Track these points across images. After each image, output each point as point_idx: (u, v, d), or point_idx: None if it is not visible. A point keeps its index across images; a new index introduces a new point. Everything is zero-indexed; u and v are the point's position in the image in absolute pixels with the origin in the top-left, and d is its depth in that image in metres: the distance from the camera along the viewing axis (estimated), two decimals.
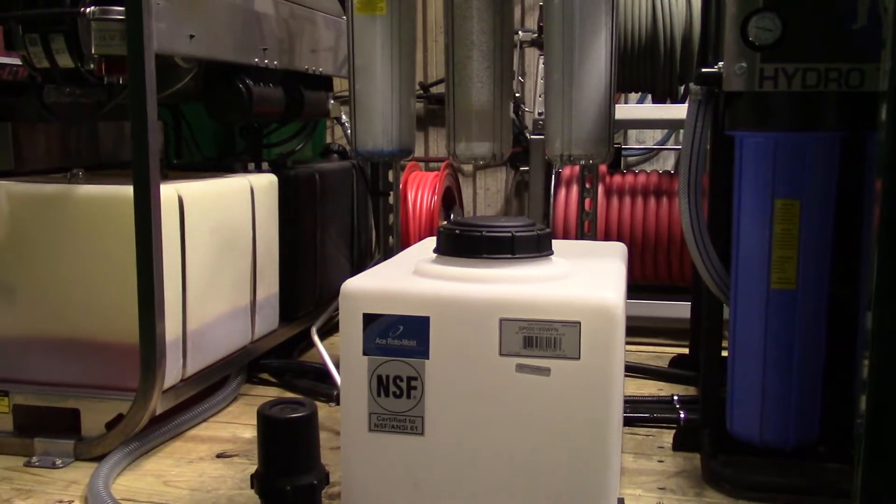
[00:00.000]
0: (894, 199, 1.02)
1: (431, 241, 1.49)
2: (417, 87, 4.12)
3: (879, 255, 1.02)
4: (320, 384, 1.99)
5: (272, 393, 2.00)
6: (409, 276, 1.24)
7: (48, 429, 1.62)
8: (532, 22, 3.93)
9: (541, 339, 1.14)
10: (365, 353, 1.19)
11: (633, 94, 3.44)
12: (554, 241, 1.31)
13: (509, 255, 1.22)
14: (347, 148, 2.70)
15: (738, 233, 1.45)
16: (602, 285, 1.19)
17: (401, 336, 1.18)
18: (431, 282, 1.21)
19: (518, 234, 1.23)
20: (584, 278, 1.23)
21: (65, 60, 1.63)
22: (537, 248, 1.25)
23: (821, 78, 1.35)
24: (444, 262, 1.25)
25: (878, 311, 1.03)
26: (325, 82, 2.42)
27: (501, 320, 1.15)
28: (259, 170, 2.07)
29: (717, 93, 1.47)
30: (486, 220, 1.26)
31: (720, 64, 1.42)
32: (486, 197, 4.48)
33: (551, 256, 1.28)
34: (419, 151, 4.19)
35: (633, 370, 2.07)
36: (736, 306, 1.48)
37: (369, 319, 1.18)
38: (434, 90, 4.27)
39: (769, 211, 1.40)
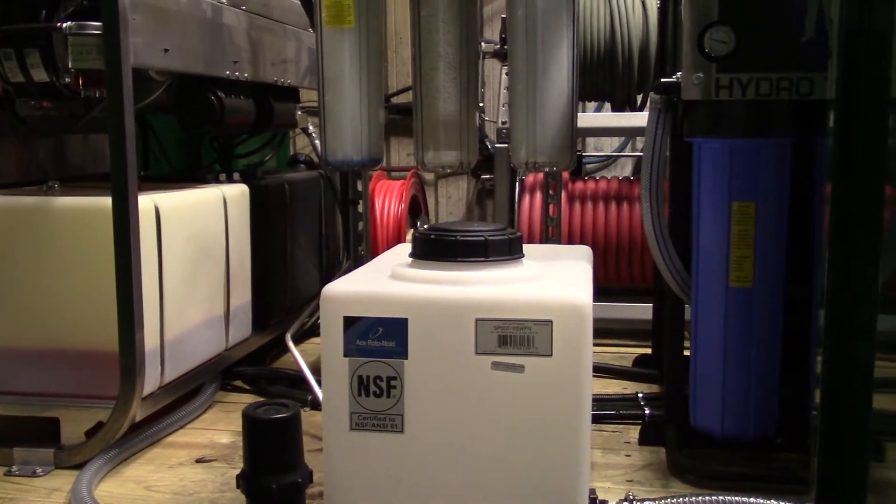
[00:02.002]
0: (842, 200, 1.09)
1: (404, 247, 1.55)
2: None
3: (830, 254, 1.09)
4: (293, 390, 2.03)
5: (247, 399, 2.03)
6: (387, 280, 1.29)
7: (28, 438, 1.64)
8: (491, 32, 3.99)
9: (515, 337, 1.19)
10: (346, 355, 1.24)
11: (590, 102, 3.52)
12: (524, 245, 1.37)
13: (483, 259, 1.28)
14: (314, 157, 2.73)
15: (697, 234, 1.52)
16: (572, 285, 1.25)
17: (380, 337, 1.23)
18: (409, 285, 1.26)
19: (491, 238, 1.29)
20: (555, 279, 1.29)
21: (40, 74, 1.65)
22: (509, 251, 1.31)
23: (773, 87, 1.43)
24: (421, 265, 1.30)
25: (830, 309, 1.10)
26: (292, 93, 2.46)
27: (477, 320, 1.20)
28: (230, 180, 2.10)
29: (676, 101, 1.54)
30: (460, 226, 1.32)
31: (678, 74, 1.50)
32: (447, 205, 4.54)
33: (522, 259, 1.33)
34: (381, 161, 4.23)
35: (598, 370, 2.14)
36: (697, 305, 1.55)
37: (350, 322, 1.23)
38: (395, 100, 4.32)
39: (726, 213, 1.47)
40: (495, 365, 1.20)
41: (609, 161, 4.01)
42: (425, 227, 1.36)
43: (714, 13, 1.44)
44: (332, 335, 1.24)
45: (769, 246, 1.47)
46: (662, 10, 2.02)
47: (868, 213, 1.06)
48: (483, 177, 4.13)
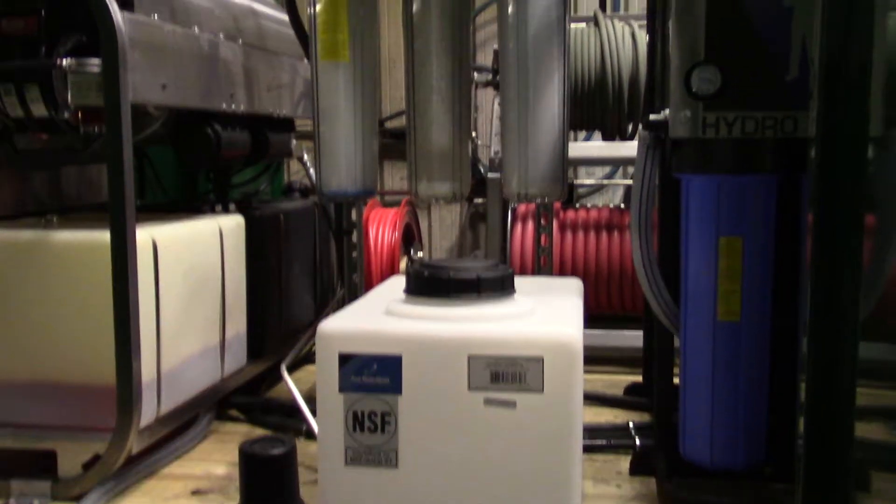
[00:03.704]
0: (824, 230, 1.12)
1: (397, 280, 1.57)
2: None
3: (812, 282, 1.12)
4: (288, 419, 2.04)
5: (242, 429, 2.04)
6: (381, 316, 1.32)
7: (25, 470, 1.65)
8: (484, 58, 4.04)
9: (507, 373, 1.22)
10: (341, 391, 1.26)
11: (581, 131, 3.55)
12: (516, 278, 1.40)
13: (475, 295, 1.30)
14: (307, 183, 2.75)
15: (686, 268, 1.55)
16: (563, 322, 1.28)
17: (375, 373, 1.25)
18: (403, 321, 1.28)
19: (483, 275, 1.31)
20: (546, 315, 1.32)
21: (39, 110, 1.68)
22: (501, 287, 1.34)
23: (758, 125, 1.46)
24: (414, 301, 1.33)
25: (812, 337, 1.13)
26: (287, 123, 2.49)
27: (469, 357, 1.22)
28: (226, 211, 2.13)
29: (664, 138, 1.58)
30: (453, 262, 1.35)
31: (666, 111, 1.53)
32: (441, 229, 4.57)
33: (514, 295, 1.36)
34: None
35: (590, 398, 2.16)
36: (685, 338, 1.57)
37: (345, 359, 1.25)
38: (389, 124, 4.36)
39: (714, 248, 1.50)
40: (488, 401, 1.22)
41: (600, 185, 4.05)
42: (419, 262, 1.39)
43: (700, 52, 1.47)
44: (327, 371, 1.27)
45: (757, 280, 1.50)
46: (651, 47, 2.05)
47: (849, 242, 1.10)
48: (476, 201, 4.17)
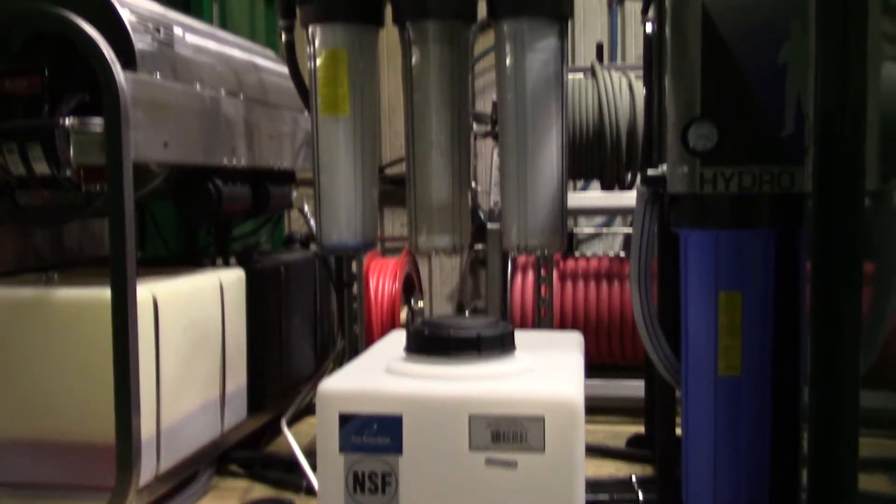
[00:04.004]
0: (822, 278, 1.12)
1: (397, 335, 1.57)
2: None
3: (812, 331, 1.12)
4: (289, 475, 2.02)
5: (242, 485, 2.03)
6: (381, 375, 1.31)
7: None
8: (483, 104, 4.06)
9: (508, 433, 1.21)
10: (341, 451, 1.25)
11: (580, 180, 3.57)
12: (516, 331, 1.40)
13: (476, 353, 1.30)
14: (308, 233, 2.76)
15: (686, 323, 1.55)
16: (563, 380, 1.28)
17: (375, 433, 1.25)
18: (403, 381, 1.28)
19: (483, 333, 1.31)
20: (546, 373, 1.32)
21: (41, 167, 1.69)
22: (501, 345, 1.33)
23: (755, 180, 1.47)
24: (415, 360, 1.33)
25: (814, 384, 1.12)
26: (288, 175, 2.50)
27: (470, 416, 1.22)
28: (227, 264, 2.13)
29: (663, 192, 1.58)
30: (453, 320, 1.35)
31: (663, 166, 1.54)
32: (441, 275, 4.57)
33: (514, 352, 1.36)
34: None
35: (592, 450, 2.14)
36: (686, 391, 1.56)
37: (345, 419, 1.25)
38: (389, 171, 4.39)
39: (713, 303, 1.50)
40: (489, 461, 1.22)
41: (599, 233, 4.06)
42: (420, 321, 1.39)
43: (697, 109, 1.49)
44: (327, 431, 1.26)
45: (757, 335, 1.49)
46: (648, 100, 2.07)
47: (848, 291, 1.10)
48: (476, 247, 4.17)
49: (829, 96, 1.13)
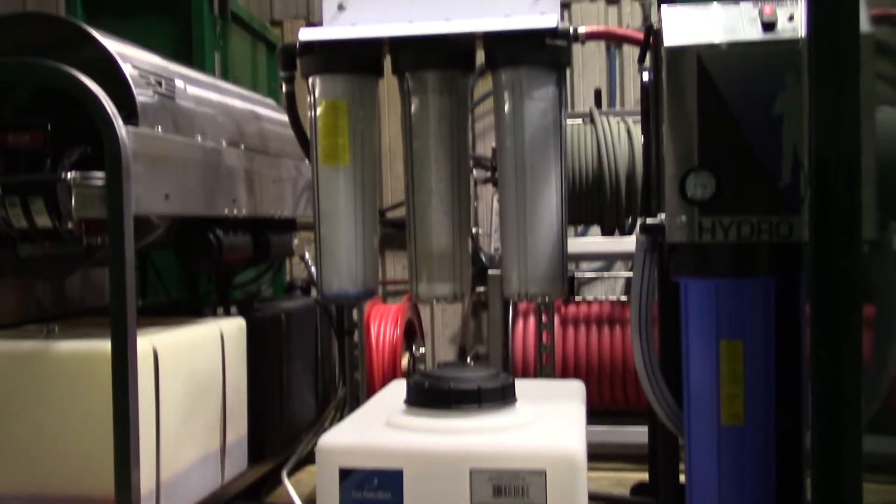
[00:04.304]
0: (821, 325, 1.12)
1: (398, 385, 1.57)
2: None
3: (813, 376, 1.12)
4: None
5: None
6: (382, 429, 1.31)
7: None
8: (483, 147, 4.09)
9: (509, 487, 1.21)
10: None
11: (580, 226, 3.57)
12: (517, 381, 1.39)
13: (476, 406, 1.30)
14: (310, 278, 2.76)
15: (687, 371, 1.54)
16: (565, 432, 1.27)
17: (376, 488, 1.24)
18: (403, 434, 1.28)
19: (484, 385, 1.31)
20: (547, 425, 1.31)
21: (43, 220, 1.70)
22: (502, 397, 1.33)
23: (754, 229, 1.47)
24: (415, 413, 1.32)
25: (815, 434, 1.12)
26: (289, 223, 2.51)
27: (472, 471, 1.21)
28: (227, 313, 2.13)
29: (662, 240, 1.59)
30: (454, 372, 1.35)
31: (662, 215, 1.54)
32: (444, 317, 4.56)
33: (515, 404, 1.35)
34: None
35: (597, 498, 2.12)
36: (690, 440, 1.55)
37: (345, 474, 1.24)
38: (390, 214, 4.40)
39: (715, 351, 1.50)
40: None
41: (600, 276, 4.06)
42: (420, 373, 1.38)
43: (694, 159, 1.50)
44: (327, 486, 1.26)
45: (759, 383, 1.49)
46: (646, 147, 2.08)
47: (847, 337, 1.10)
48: (478, 290, 4.17)
49: (823, 145, 1.14)
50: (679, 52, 1.50)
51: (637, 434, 2.36)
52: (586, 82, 4.39)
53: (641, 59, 2.01)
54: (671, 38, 1.51)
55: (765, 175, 1.47)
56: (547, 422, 1.32)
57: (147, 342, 1.67)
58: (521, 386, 1.43)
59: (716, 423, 1.50)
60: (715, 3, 1.54)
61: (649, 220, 1.58)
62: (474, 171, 2.99)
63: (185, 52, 2.97)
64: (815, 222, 1.13)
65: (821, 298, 1.12)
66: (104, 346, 1.58)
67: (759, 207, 1.47)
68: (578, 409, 1.42)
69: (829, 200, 1.10)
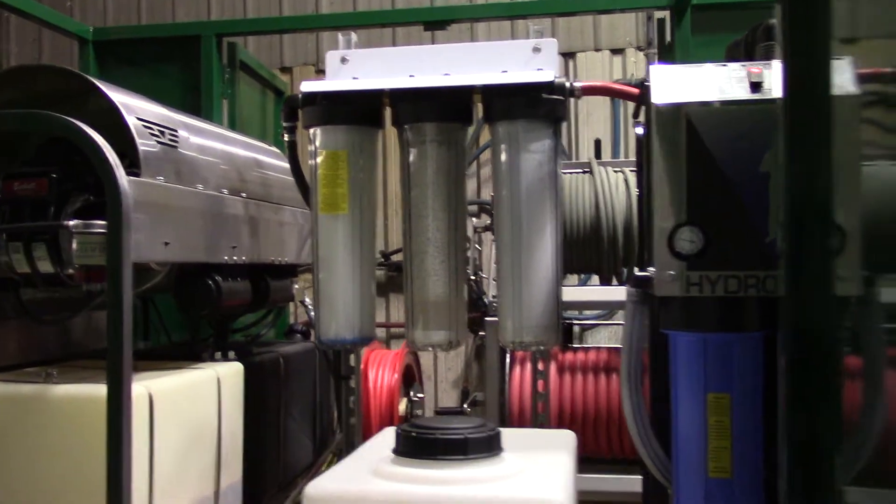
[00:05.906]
0: (794, 375, 1.14)
1: (389, 434, 1.58)
2: (378, 254, 4.28)
3: (787, 429, 1.13)
4: None
5: None
6: (368, 478, 1.33)
7: None
8: (487, 192, 4.12)
9: None
10: None
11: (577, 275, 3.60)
12: (505, 432, 1.41)
13: (462, 457, 1.31)
14: (310, 322, 2.78)
15: (676, 423, 1.56)
16: (552, 484, 1.29)
17: None
18: (390, 484, 1.29)
19: (471, 436, 1.33)
20: (535, 476, 1.33)
21: (45, 266, 1.74)
22: (489, 447, 1.35)
23: (741, 284, 1.50)
24: (402, 463, 1.34)
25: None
26: (289, 269, 2.54)
27: None
28: (225, 358, 2.15)
29: (652, 294, 1.61)
30: (441, 422, 1.36)
31: (651, 269, 1.57)
32: (446, 360, 4.57)
33: (503, 454, 1.37)
34: (380, 317, 4.28)
35: None
36: (678, 491, 1.56)
37: None
38: (394, 258, 4.43)
39: (702, 404, 1.51)
40: None
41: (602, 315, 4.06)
42: (409, 423, 1.40)
43: (683, 214, 1.52)
44: None
45: (747, 436, 1.50)
46: (640, 200, 2.11)
47: (821, 389, 1.12)
48: (480, 333, 4.18)
49: (797, 201, 1.16)
50: (668, 111, 1.54)
51: (630, 483, 2.35)
52: (590, 131, 4.44)
53: (636, 114, 2.04)
54: (660, 97, 1.55)
55: (752, 231, 1.50)
56: (534, 472, 1.33)
57: (143, 387, 1.69)
58: (511, 436, 1.44)
59: (704, 476, 1.51)
60: (705, 63, 1.58)
61: (639, 273, 1.61)
62: (478, 217, 3.03)
63: (195, 99, 3.03)
64: (788, 277, 1.15)
65: (793, 352, 1.15)
66: (100, 390, 1.60)
67: (746, 263, 1.50)
68: (567, 460, 1.43)
69: (801, 257, 1.13)
